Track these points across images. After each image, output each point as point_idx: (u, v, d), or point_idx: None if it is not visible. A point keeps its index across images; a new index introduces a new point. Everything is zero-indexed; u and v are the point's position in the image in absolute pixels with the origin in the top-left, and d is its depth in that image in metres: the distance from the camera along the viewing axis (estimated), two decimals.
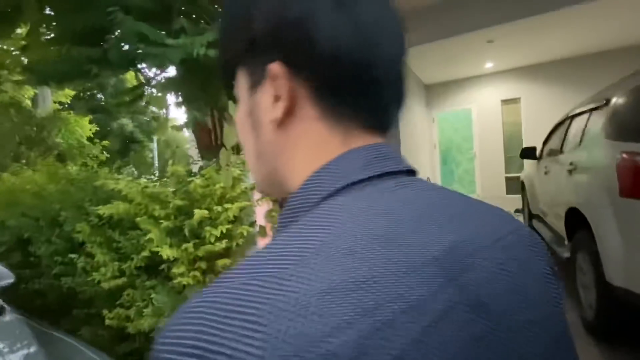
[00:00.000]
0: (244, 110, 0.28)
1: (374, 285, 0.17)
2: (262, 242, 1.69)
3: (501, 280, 0.22)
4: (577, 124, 2.80)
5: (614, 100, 2.13)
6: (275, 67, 0.24)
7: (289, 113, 0.25)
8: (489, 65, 6.60)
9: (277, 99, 0.25)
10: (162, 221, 1.41)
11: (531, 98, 6.81)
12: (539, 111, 6.63)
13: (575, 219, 2.34)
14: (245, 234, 1.52)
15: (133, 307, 1.54)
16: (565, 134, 3.11)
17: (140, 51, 1.57)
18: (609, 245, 1.80)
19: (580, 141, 2.57)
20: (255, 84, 0.27)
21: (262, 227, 1.68)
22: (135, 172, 4.86)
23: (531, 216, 4.63)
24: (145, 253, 1.46)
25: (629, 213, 1.63)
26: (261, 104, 0.26)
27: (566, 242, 2.67)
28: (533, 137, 6.65)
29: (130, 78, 7.21)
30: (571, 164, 2.56)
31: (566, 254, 2.62)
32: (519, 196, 5.57)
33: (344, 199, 0.22)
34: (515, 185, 7.00)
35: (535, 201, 4.24)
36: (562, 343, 0.25)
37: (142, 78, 2.52)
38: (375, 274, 0.17)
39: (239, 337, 0.15)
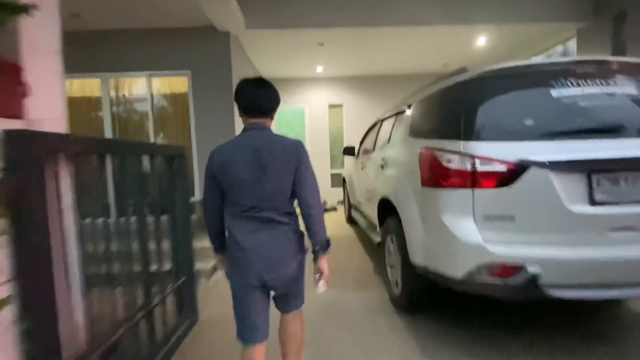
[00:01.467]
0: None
1: (229, 149, 1.42)
2: None
3: (270, 151, 1.39)
4: (386, 126, 3.24)
5: (414, 105, 2.50)
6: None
7: (240, 116, 1.51)
8: (319, 69, 7.17)
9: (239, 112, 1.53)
10: None
11: (350, 104, 7.93)
12: (356, 116, 7.82)
13: (386, 208, 2.65)
14: None
15: None
16: (377, 135, 3.58)
17: None
18: (413, 229, 2.04)
19: (389, 139, 2.96)
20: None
21: None
22: None
23: (350, 206, 5.28)
24: None
25: (428, 201, 1.88)
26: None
27: (378, 228, 3.04)
28: (352, 139, 7.79)
29: None
30: (382, 159, 2.91)
31: (378, 239, 2.96)
32: (341, 189, 6.31)
33: (242, 133, 1.46)
34: (338, 180, 7.99)
35: (353, 193, 4.82)
36: (288, 173, 1.41)
37: None
38: (231, 149, 1.42)
39: (214, 158, 1.46)
